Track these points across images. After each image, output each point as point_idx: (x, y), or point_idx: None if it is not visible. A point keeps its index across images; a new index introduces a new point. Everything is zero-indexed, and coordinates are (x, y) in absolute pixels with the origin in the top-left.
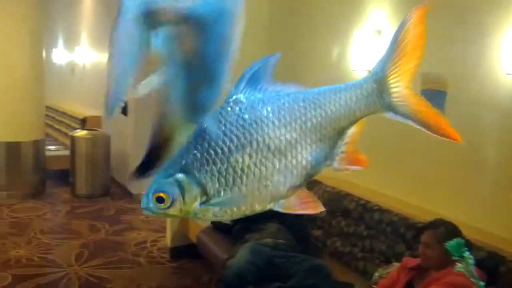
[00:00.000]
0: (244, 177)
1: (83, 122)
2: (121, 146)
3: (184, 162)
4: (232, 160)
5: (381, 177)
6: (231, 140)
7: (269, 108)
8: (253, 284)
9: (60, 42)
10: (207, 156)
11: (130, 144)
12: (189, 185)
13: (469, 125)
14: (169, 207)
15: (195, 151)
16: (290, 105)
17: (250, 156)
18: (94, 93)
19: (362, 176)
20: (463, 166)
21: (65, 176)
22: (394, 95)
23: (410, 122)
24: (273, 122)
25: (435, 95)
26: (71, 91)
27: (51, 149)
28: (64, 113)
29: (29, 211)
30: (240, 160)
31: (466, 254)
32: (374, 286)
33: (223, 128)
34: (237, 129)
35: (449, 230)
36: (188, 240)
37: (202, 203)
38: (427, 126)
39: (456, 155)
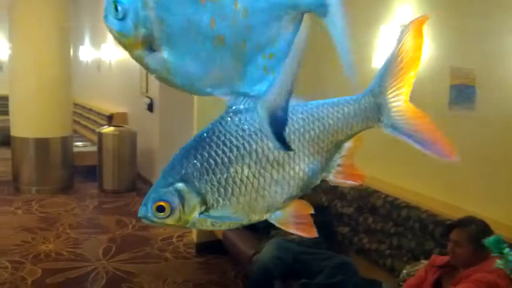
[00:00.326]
0: (243, 187)
1: (110, 119)
2: (147, 142)
3: (183, 171)
4: (231, 170)
5: (408, 174)
6: (231, 150)
7: None
8: (279, 280)
9: (87, 39)
10: (207, 166)
11: (156, 140)
12: (189, 194)
13: (499, 121)
14: (168, 216)
15: (195, 161)
16: (289, 117)
17: (250, 167)
18: (120, 90)
19: (389, 173)
20: (493, 163)
21: (92, 172)
22: (393, 110)
23: (406, 139)
24: None
25: (464, 90)
26: (98, 88)
27: (79, 145)
28: (91, 110)
29: (58, 206)
30: (240, 170)
31: (506, 250)
32: (401, 283)
33: (223, 138)
34: (237, 140)
35: (480, 228)
36: (213, 235)
37: (201, 212)
38: (423, 142)
39: (487, 151)
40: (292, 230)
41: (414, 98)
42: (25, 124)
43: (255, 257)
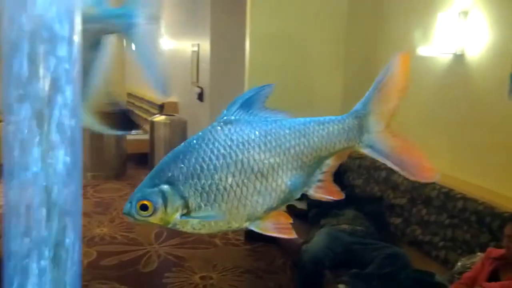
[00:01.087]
0: (226, 195)
1: (161, 108)
2: (197, 131)
3: (170, 174)
4: (216, 177)
5: (465, 165)
6: (218, 158)
7: (256, 132)
8: (330, 269)
9: None
10: (193, 171)
11: None
12: (172, 196)
13: None
14: (150, 215)
15: (182, 165)
16: (276, 131)
17: (234, 176)
18: (171, 80)
19: (445, 164)
20: None
21: (144, 159)
22: (374, 133)
23: (382, 159)
24: (259, 146)
25: None
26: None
27: (132, 133)
28: (143, 99)
29: (112, 191)
30: (224, 178)
31: None
32: (456, 275)
33: (211, 146)
34: (224, 149)
35: None
36: None
37: (182, 215)
38: (401, 166)
39: None
40: (272, 234)
41: (471, 87)
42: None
43: (305, 246)
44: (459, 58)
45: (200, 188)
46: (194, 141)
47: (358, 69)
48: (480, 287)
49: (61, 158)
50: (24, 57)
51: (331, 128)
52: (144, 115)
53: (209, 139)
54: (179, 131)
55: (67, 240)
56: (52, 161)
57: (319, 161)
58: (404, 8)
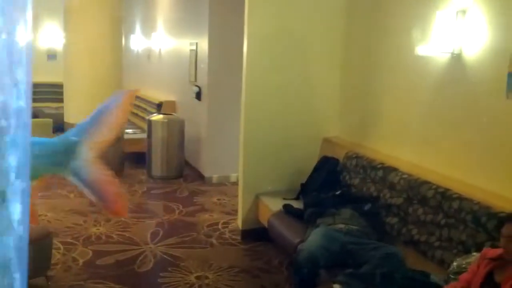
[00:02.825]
0: None
1: (159, 107)
2: (195, 130)
3: None
4: None
5: (462, 164)
6: None
7: None
8: (325, 269)
9: (138, 28)
10: None
11: (203, 128)
12: None
13: None
14: None
15: None
16: None
17: None
18: (169, 79)
19: (442, 163)
20: None
21: (141, 158)
22: (82, 161)
23: (84, 190)
24: None
25: None
26: (148, 77)
27: (129, 132)
28: (140, 98)
29: None
30: None
31: None
32: (451, 275)
33: None
34: None
35: None
36: (259, 223)
37: None
38: (99, 197)
39: None
40: None
41: (468, 86)
42: (78, 111)
43: (301, 245)
44: (457, 57)
45: None
46: None
47: (356, 69)
48: None
49: None
50: None
51: (39, 149)
52: (142, 114)
53: None
54: (177, 130)
55: None
56: None
57: None
58: (403, 6)
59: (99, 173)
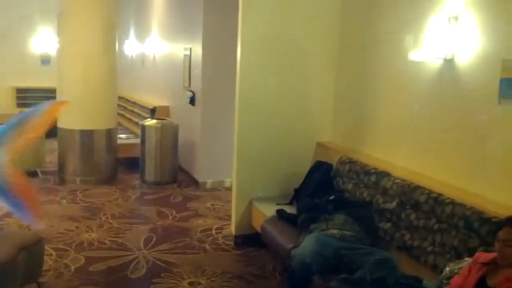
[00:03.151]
0: None
1: (153, 112)
2: (189, 135)
3: None
4: None
5: (454, 170)
6: None
7: None
8: (319, 274)
9: (132, 33)
10: None
11: (197, 133)
12: None
13: None
14: None
15: None
16: None
17: None
18: (163, 84)
19: (434, 168)
20: None
21: (135, 164)
22: None
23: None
24: None
25: None
26: (142, 82)
27: (122, 137)
28: (134, 103)
29: (101, 196)
30: None
31: None
32: (444, 281)
33: None
34: None
35: None
36: (252, 229)
37: None
38: (15, 204)
39: None
40: None
41: (461, 92)
42: (71, 116)
43: (294, 251)
44: (449, 63)
45: None
46: None
47: (350, 74)
48: None
49: None
50: None
51: None
52: (136, 119)
53: None
54: (170, 135)
55: None
56: None
57: None
58: (395, 12)
59: (14, 177)
